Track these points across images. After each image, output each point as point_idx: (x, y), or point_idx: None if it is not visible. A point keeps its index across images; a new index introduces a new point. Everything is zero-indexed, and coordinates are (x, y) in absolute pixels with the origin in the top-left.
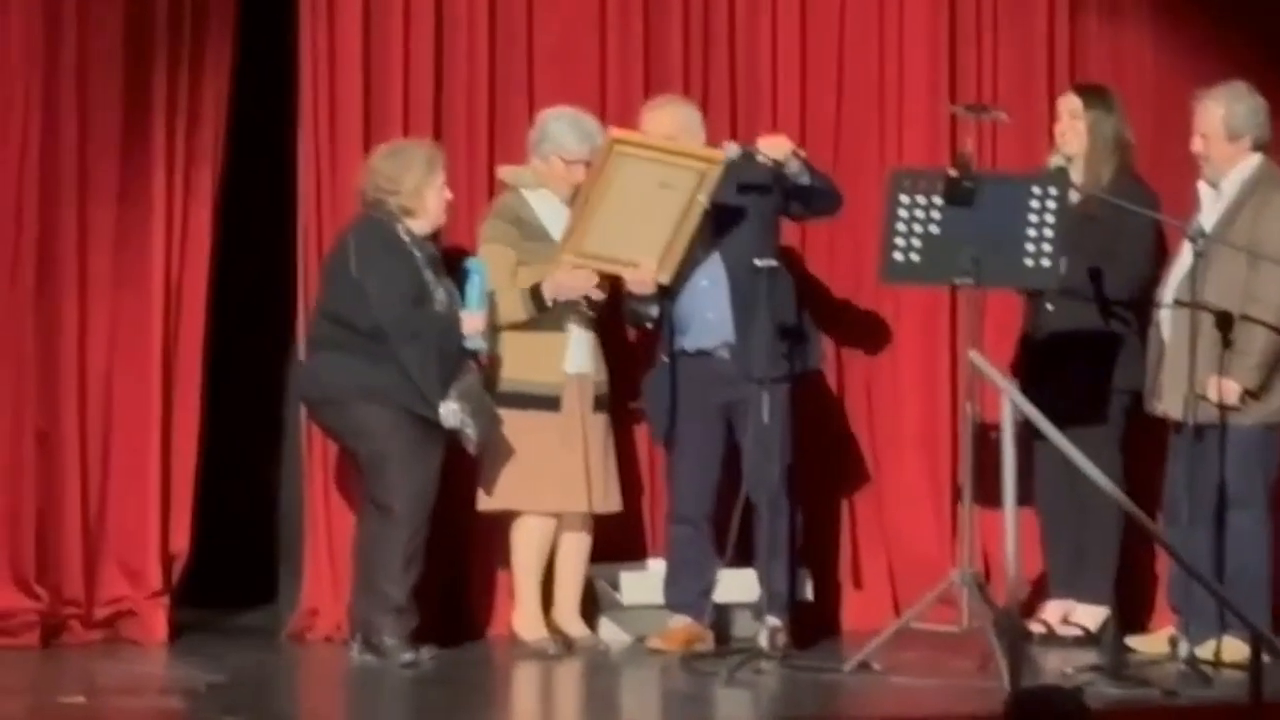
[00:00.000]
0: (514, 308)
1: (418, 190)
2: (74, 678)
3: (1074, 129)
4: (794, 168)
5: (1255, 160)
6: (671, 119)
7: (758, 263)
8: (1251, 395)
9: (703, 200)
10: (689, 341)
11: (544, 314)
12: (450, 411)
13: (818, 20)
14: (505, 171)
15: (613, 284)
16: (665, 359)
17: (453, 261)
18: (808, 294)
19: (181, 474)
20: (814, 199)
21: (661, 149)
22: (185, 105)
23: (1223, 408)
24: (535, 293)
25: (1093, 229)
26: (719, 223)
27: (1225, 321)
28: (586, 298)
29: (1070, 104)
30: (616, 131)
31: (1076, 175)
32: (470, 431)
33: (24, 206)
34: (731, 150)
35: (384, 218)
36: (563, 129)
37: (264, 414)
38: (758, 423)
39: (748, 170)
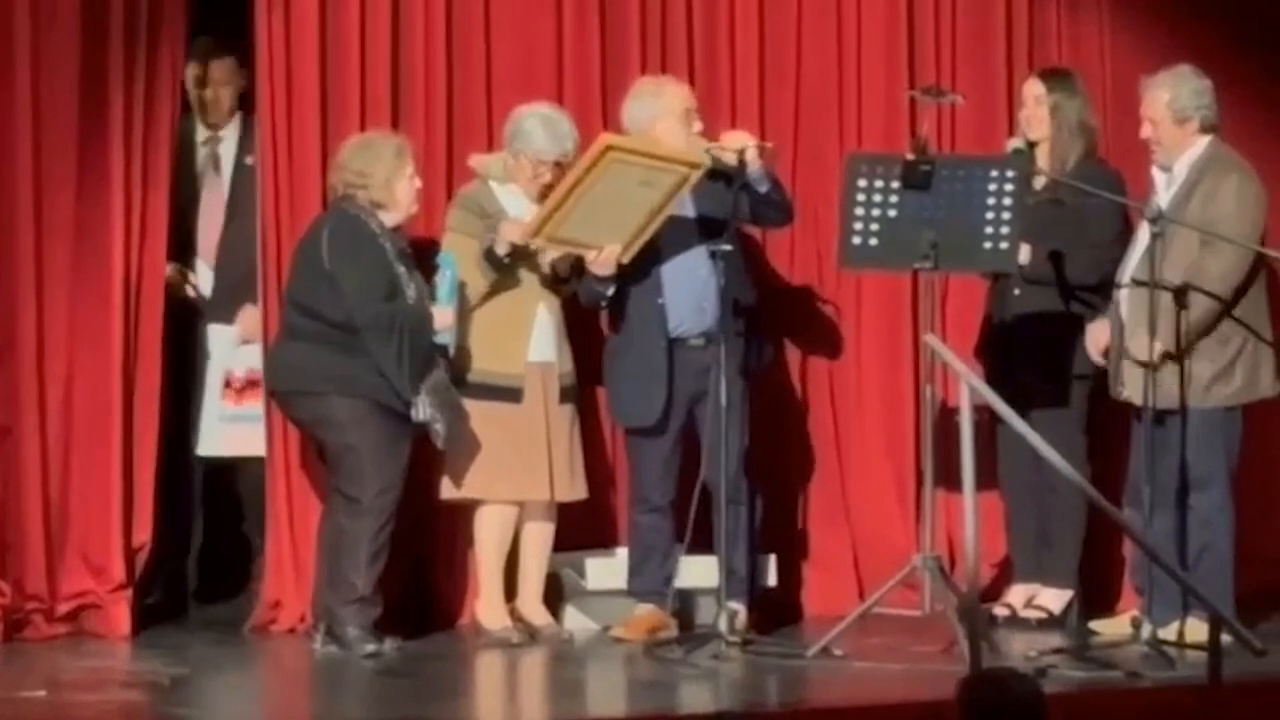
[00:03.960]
0: (472, 279)
1: (388, 182)
2: (36, 672)
3: (1038, 115)
4: (754, 166)
5: (1204, 142)
6: (688, 97)
7: (710, 247)
8: (1171, 357)
9: (680, 198)
10: (673, 328)
11: (506, 274)
12: (421, 406)
13: (775, 5)
14: (476, 160)
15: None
16: (663, 344)
17: (419, 253)
18: (768, 281)
19: (143, 466)
20: (759, 206)
21: (651, 154)
22: (142, 96)
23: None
24: (489, 254)
25: (1059, 213)
26: (700, 215)
27: (1181, 297)
28: (553, 268)
29: (1034, 89)
30: (611, 138)
31: (1043, 160)
32: (439, 426)
33: None
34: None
35: (357, 211)
36: (536, 129)
37: None
38: (716, 408)
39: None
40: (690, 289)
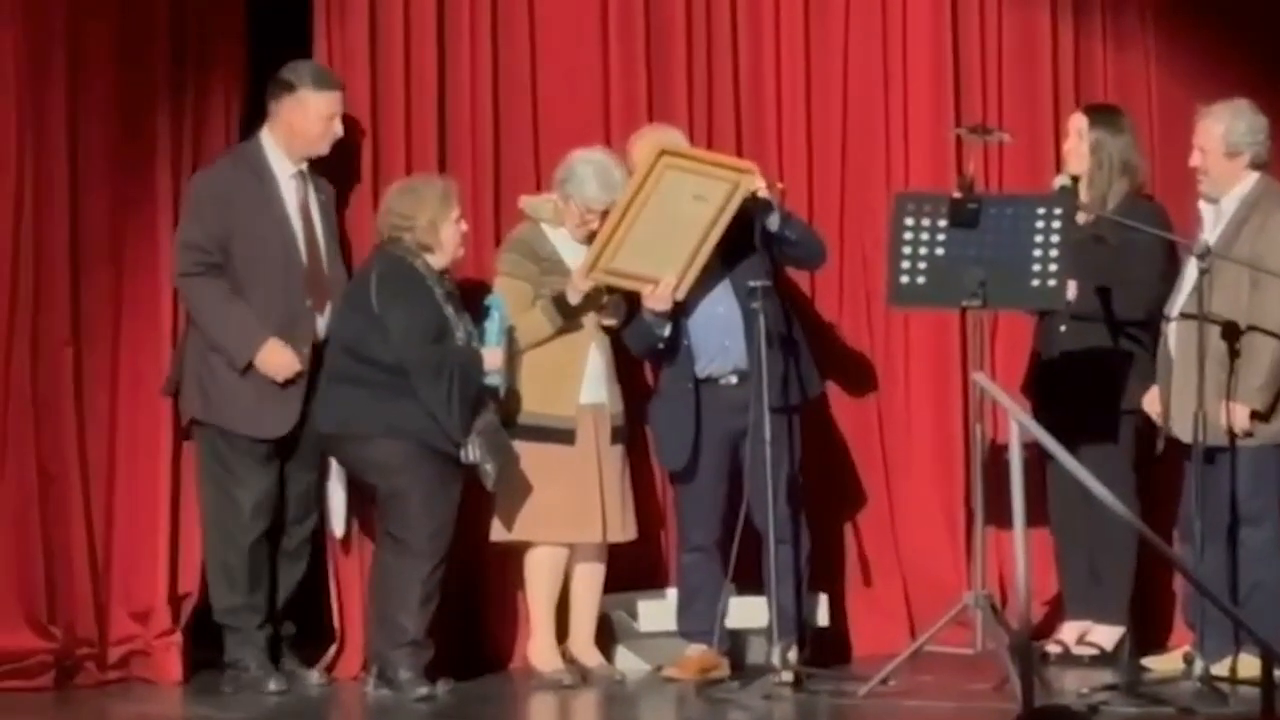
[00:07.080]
0: (537, 324)
1: (433, 225)
2: (87, 719)
3: (1079, 149)
4: (762, 194)
5: (1254, 178)
6: (657, 147)
7: (751, 283)
8: (1260, 418)
9: (731, 212)
10: (700, 368)
11: (569, 320)
12: (471, 448)
13: (822, 43)
14: (526, 201)
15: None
16: (690, 386)
17: (467, 295)
18: (817, 320)
19: (190, 513)
20: (786, 247)
21: (704, 159)
22: (190, 143)
23: (1233, 433)
24: (559, 300)
25: (1102, 250)
26: (727, 249)
27: (1231, 331)
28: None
29: (1078, 123)
30: (665, 145)
31: (1084, 195)
32: (489, 468)
33: (20, 247)
34: None
35: (404, 254)
36: (588, 176)
37: None
38: (760, 447)
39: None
40: (711, 328)
